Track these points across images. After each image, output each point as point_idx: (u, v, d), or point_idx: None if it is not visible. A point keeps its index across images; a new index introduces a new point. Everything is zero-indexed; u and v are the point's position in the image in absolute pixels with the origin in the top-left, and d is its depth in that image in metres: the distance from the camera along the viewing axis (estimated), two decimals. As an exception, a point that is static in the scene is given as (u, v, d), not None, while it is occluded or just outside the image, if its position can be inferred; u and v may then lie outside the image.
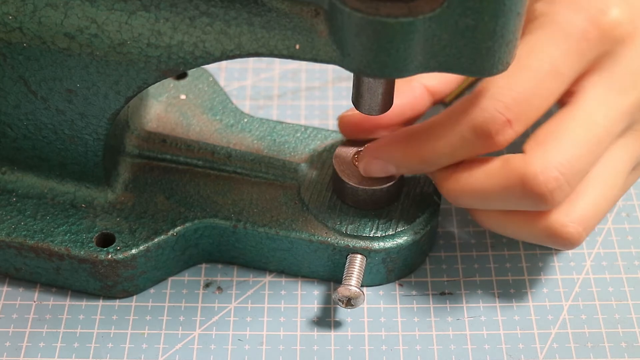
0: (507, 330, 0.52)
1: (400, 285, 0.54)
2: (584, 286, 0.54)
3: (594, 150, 0.49)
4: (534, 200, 0.48)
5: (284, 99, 0.64)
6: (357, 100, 0.49)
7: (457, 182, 0.50)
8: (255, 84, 0.65)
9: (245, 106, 0.64)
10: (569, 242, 0.49)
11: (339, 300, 0.51)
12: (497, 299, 0.54)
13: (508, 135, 0.48)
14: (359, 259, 0.52)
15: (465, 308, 0.53)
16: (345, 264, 0.52)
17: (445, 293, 0.54)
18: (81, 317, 0.53)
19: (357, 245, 0.52)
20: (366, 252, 0.52)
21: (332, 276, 0.54)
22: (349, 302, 0.51)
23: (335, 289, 0.51)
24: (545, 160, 0.48)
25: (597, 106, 0.50)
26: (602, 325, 0.53)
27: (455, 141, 0.49)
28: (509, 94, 0.48)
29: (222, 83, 0.65)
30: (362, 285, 0.53)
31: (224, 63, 0.66)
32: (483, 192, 0.49)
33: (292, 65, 0.66)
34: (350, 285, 0.50)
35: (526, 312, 0.53)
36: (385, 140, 0.52)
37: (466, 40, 0.42)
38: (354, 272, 0.51)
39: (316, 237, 0.52)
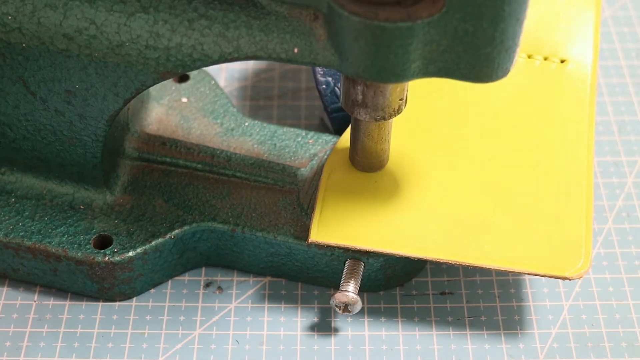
0: (507, 330, 0.52)
1: (400, 285, 0.54)
2: (584, 286, 0.54)
3: None
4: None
5: (285, 99, 0.64)
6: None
7: None
8: (255, 84, 0.65)
9: (246, 106, 0.64)
10: None
11: (336, 306, 0.51)
12: (497, 299, 0.54)
13: None
14: (357, 265, 0.51)
15: (465, 308, 0.53)
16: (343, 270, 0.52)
17: (445, 293, 0.54)
18: (81, 317, 0.53)
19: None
20: (364, 258, 0.52)
21: (331, 282, 0.54)
22: (346, 308, 0.51)
23: (333, 295, 0.51)
24: None
25: None
26: (603, 325, 0.53)
27: None
28: None
29: (222, 83, 0.65)
30: (360, 291, 0.52)
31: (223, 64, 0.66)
32: None
33: (292, 65, 0.66)
34: (348, 291, 0.50)
35: (526, 312, 0.53)
36: None
37: (465, 46, 0.41)
38: (352, 278, 0.51)
39: None
